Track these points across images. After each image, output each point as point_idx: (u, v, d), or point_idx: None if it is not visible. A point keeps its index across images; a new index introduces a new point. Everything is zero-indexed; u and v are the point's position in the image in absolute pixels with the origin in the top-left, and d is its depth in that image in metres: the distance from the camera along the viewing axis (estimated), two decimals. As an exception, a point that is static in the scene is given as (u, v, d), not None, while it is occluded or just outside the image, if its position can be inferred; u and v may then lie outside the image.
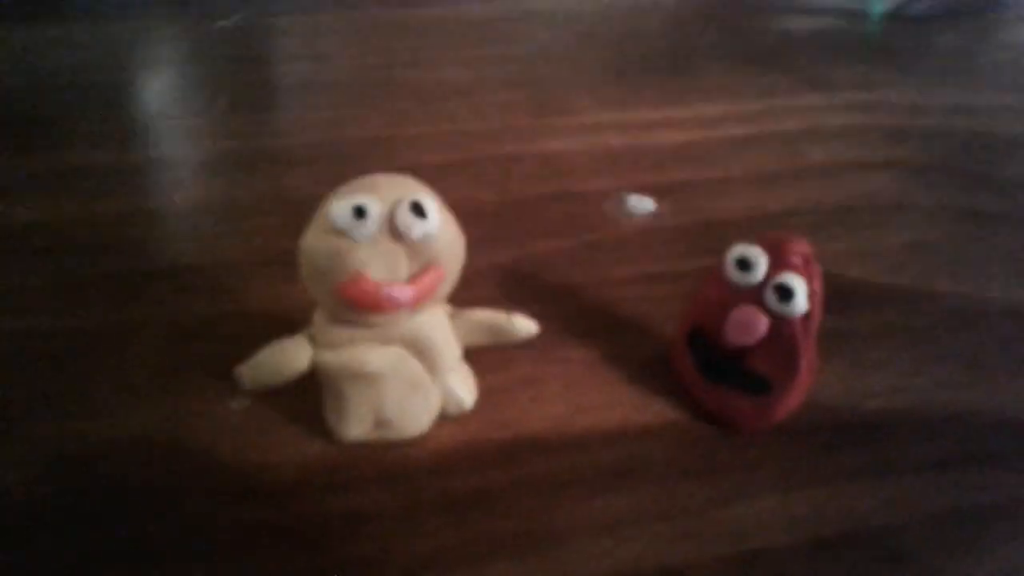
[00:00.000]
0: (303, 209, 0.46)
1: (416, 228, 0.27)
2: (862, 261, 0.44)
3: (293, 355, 0.30)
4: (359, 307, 0.28)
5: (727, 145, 0.55)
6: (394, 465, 0.32)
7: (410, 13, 0.75)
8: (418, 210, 0.27)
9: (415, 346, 0.30)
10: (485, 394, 0.34)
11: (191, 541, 0.29)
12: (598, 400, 0.35)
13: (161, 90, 0.58)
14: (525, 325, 0.31)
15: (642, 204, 0.47)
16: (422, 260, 0.28)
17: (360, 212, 0.26)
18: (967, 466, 0.33)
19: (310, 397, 0.33)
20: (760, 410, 0.33)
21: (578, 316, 0.40)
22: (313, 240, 0.27)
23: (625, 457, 0.33)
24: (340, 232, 0.27)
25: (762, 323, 0.32)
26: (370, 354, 0.30)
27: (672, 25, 0.68)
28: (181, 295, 0.39)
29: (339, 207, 0.26)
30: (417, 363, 0.31)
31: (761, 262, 0.32)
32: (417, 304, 0.29)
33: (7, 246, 0.42)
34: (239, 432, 0.33)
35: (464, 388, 0.33)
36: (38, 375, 0.35)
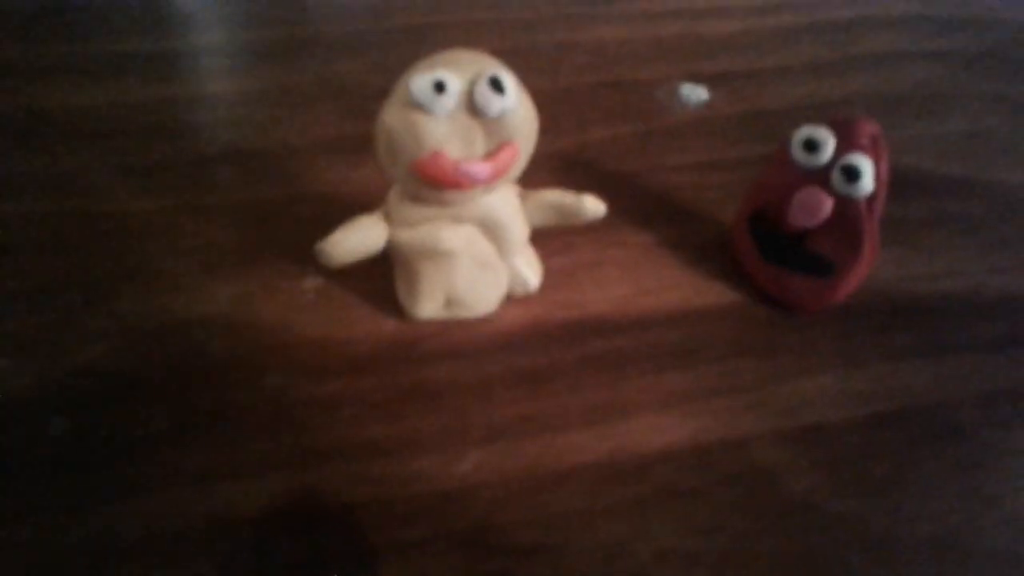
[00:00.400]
0: (356, 97, 0.47)
1: (495, 104, 0.27)
2: (916, 149, 0.44)
3: (370, 232, 0.30)
4: (437, 184, 0.28)
5: (781, 34, 0.54)
6: (465, 342, 0.33)
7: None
8: (497, 85, 0.27)
9: (486, 226, 0.31)
10: (548, 276, 0.35)
11: (274, 412, 0.30)
12: (658, 283, 0.36)
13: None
14: (594, 205, 0.32)
15: (696, 93, 0.47)
16: (498, 137, 0.28)
17: (440, 87, 0.26)
18: (1019, 347, 0.34)
19: (380, 278, 0.34)
20: (821, 291, 0.34)
21: (635, 202, 0.40)
22: (391, 115, 0.27)
23: (686, 337, 0.34)
24: (419, 107, 0.27)
25: (827, 204, 0.32)
26: (444, 232, 0.30)
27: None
28: (247, 179, 0.40)
29: (419, 81, 0.26)
30: (488, 243, 0.31)
31: (829, 143, 0.32)
32: (493, 181, 0.29)
33: (66, 130, 0.42)
34: (315, 309, 0.34)
35: (531, 269, 0.34)
36: (115, 253, 0.36)
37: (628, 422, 0.31)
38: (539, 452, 0.29)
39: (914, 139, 0.45)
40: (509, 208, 0.31)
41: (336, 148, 0.42)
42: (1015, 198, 0.41)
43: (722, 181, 0.42)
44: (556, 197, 0.32)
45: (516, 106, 0.28)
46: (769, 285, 0.35)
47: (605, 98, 0.47)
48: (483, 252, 0.32)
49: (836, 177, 0.32)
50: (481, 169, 0.28)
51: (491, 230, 0.31)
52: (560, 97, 0.47)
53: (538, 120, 0.29)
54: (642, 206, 0.40)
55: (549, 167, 0.41)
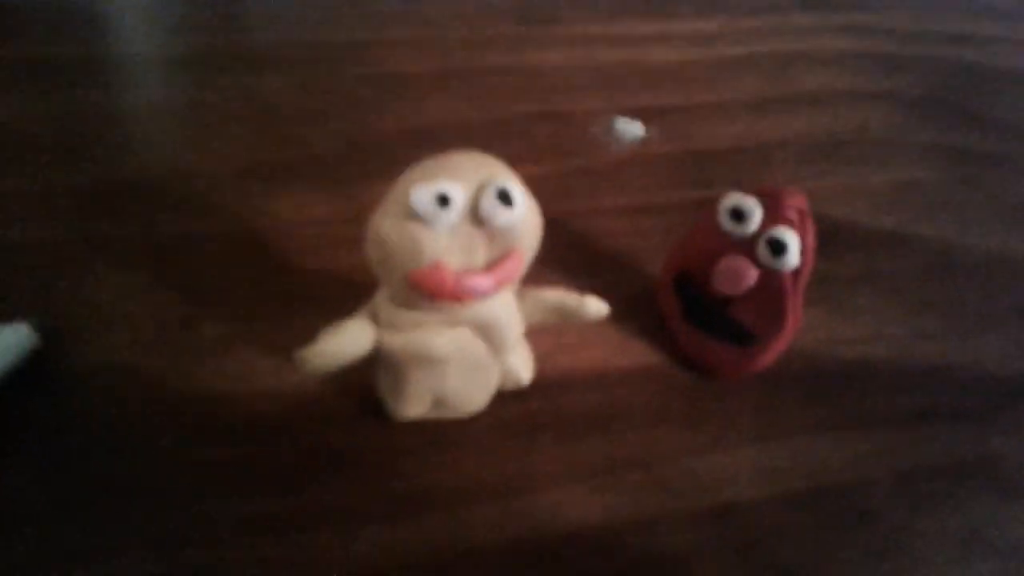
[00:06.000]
0: (277, 118, 0.44)
1: (502, 217, 0.25)
2: (849, 200, 0.44)
3: (356, 337, 0.28)
4: (435, 297, 0.26)
5: (720, 66, 0.53)
6: (370, 402, 0.31)
7: None
8: (505, 198, 0.25)
9: (482, 329, 0.29)
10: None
11: (167, 480, 0.28)
12: (579, 339, 0.35)
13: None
14: (596, 307, 0.30)
15: (631, 128, 0.46)
16: (501, 245, 0.26)
17: (444, 200, 0.24)
18: (939, 421, 0.34)
19: (287, 328, 0.32)
20: (742, 360, 0.33)
21: (560, 248, 0.38)
22: (388, 226, 0.25)
23: (604, 401, 0.33)
24: (419, 219, 0.24)
25: (751, 274, 0.31)
26: (437, 338, 0.28)
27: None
28: (153, 209, 0.38)
29: (421, 193, 0.24)
30: (481, 344, 0.29)
31: (756, 214, 0.31)
32: (495, 292, 0.27)
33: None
34: (213, 360, 0.32)
35: (524, 365, 0.32)
36: (3, 286, 0.33)
37: (537, 496, 0.29)
38: (442, 529, 0.28)
39: (847, 188, 0.44)
40: (506, 310, 0.29)
41: (252, 175, 0.40)
42: (943, 256, 0.41)
43: (652, 227, 0.40)
44: (556, 298, 0.30)
45: (523, 216, 0.26)
46: (691, 348, 0.34)
47: (539, 130, 0.46)
48: (476, 354, 0.29)
49: (762, 249, 0.31)
50: (484, 282, 0.26)
51: (485, 332, 0.29)
52: (491, 128, 0.45)
53: (542, 223, 0.27)
54: (567, 252, 0.39)
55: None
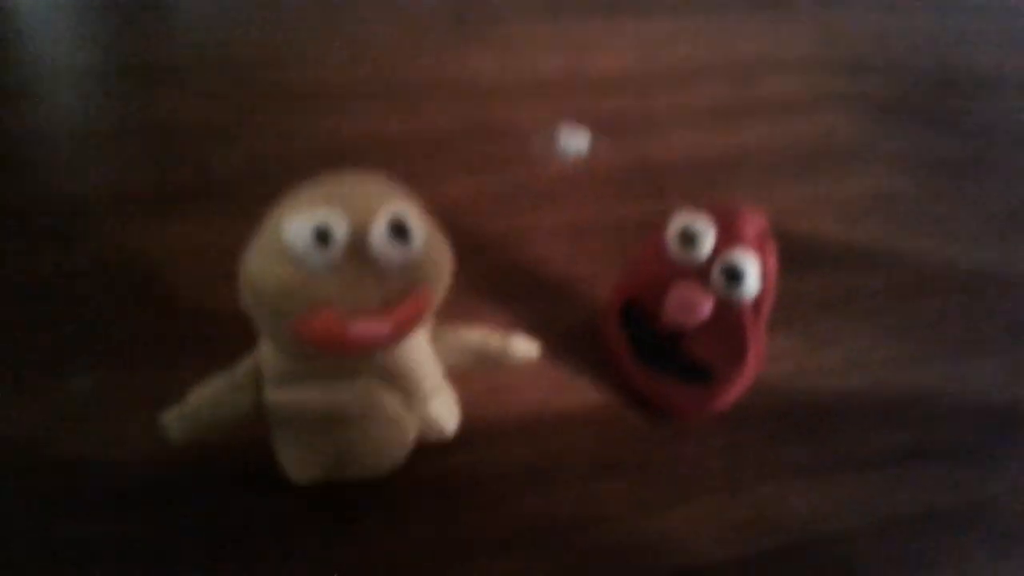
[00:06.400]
0: (174, 135, 0.40)
1: (397, 255, 0.21)
2: (818, 213, 0.40)
3: (235, 397, 0.23)
4: (321, 349, 0.22)
5: (673, 71, 0.49)
6: (261, 464, 0.26)
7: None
8: (399, 231, 0.20)
9: (388, 377, 0.24)
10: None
11: (23, 560, 0.24)
12: (516, 379, 0.30)
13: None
14: (524, 349, 0.26)
15: (576, 140, 0.42)
16: (401, 282, 0.21)
17: (323, 236, 0.20)
18: (925, 461, 0.30)
19: (170, 377, 0.27)
20: (699, 400, 0.29)
21: (499, 274, 0.35)
22: (261, 268, 0.21)
23: (542, 452, 0.29)
24: (296, 259, 0.20)
25: (705, 305, 0.27)
26: (335, 391, 0.23)
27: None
28: (27, 241, 0.33)
29: (296, 228, 0.20)
30: (391, 395, 0.24)
31: (708, 236, 0.27)
32: (397, 339, 0.22)
33: None
34: (81, 418, 0.27)
35: (448, 413, 0.27)
36: None
37: (460, 571, 0.25)
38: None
39: (816, 201, 0.41)
40: (418, 355, 0.24)
41: (140, 200, 0.35)
42: (923, 273, 0.37)
43: (598, 249, 0.36)
44: (477, 339, 0.26)
45: (423, 251, 0.21)
46: (642, 386, 0.30)
47: (472, 144, 0.42)
48: (386, 405, 0.24)
49: (716, 276, 0.27)
50: (379, 329, 0.21)
51: (395, 380, 0.24)
52: (420, 141, 0.41)
53: (450, 254, 0.23)
54: (504, 279, 0.34)
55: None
